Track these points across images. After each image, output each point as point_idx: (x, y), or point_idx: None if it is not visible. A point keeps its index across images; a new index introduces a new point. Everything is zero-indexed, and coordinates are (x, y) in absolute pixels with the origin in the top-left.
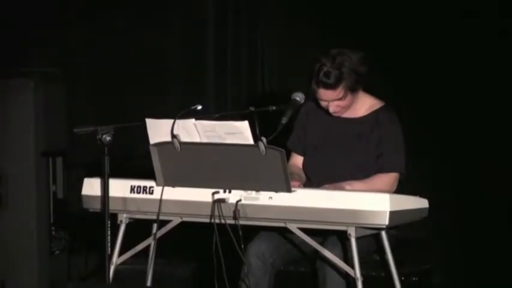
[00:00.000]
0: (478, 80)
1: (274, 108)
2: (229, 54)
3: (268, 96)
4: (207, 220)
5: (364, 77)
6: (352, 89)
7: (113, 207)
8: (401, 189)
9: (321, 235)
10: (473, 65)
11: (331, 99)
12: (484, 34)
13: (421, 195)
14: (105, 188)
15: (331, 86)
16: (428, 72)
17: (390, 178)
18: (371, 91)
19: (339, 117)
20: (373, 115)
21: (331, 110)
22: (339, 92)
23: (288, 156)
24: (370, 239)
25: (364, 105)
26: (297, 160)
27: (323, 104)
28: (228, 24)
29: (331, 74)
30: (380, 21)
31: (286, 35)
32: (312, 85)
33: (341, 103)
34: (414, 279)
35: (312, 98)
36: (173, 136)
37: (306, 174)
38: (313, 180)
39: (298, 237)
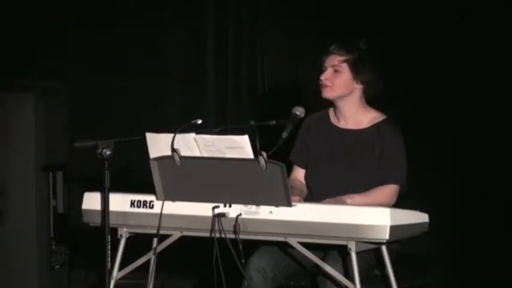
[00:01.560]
0: (475, 85)
1: (274, 122)
2: (230, 66)
3: (268, 109)
4: (207, 234)
5: (370, 85)
6: (353, 75)
7: (113, 221)
8: (402, 203)
9: (321, 249)
10: (470, 72)
11: (331, 64)
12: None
13: (421, 210)
14: (105, 202)
15: (339, 50)
16: (425, 80)
17: (391, 190)
18: (374, 102)
19: (341, 129)
20: (376, 127)
21: (322, 77)
22: (341, 60)
23: (290, 170)
24: (371, 253)
25: (367, 117)
26: (299, 174)
27: (322, 76)
28: (229, 35)
29: (350, 44)
30: (381, 22)
31: (286, 38)
32: (324, 56)
33: (335, 77)
34: None
35: (314, 112)
36: (173, 150)
37: (308, 186)
38: (315, 191)
39: (298, 251)
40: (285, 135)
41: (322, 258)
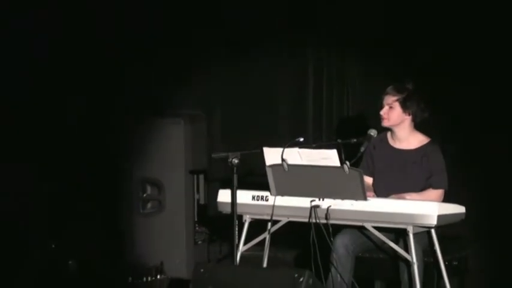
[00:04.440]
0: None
1: (355, 140)
2: (324, 98)
3: (351, 130)
4: (306, 220)
5: (416, 116)
6: (403, 110)
7: (239, 210)
8: (446, 199)
9: (389, 232)
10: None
11: (387, 103)
12: None
13: (460, 204)
14: (234, 196)
15: (392, 91)
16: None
17: (438, 193)
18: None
19: (397, 149)
20: (423, 148)
21: (381, 112)
22: (394, 100)
23: None
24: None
25: (416, 139)
26: (366, 179)
27: (381, 112)
28: (323, 75)
29: (400, 86)
30: (456, 70)
31: (365, 77)
32: (383, 94)
33: (390, 112)
34: (455, 263)
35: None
36: (283, 160)
37: (374, 190)
38: (379, 195)
39: (372, 233)
40: (362, 149)
41: (389, 238)
